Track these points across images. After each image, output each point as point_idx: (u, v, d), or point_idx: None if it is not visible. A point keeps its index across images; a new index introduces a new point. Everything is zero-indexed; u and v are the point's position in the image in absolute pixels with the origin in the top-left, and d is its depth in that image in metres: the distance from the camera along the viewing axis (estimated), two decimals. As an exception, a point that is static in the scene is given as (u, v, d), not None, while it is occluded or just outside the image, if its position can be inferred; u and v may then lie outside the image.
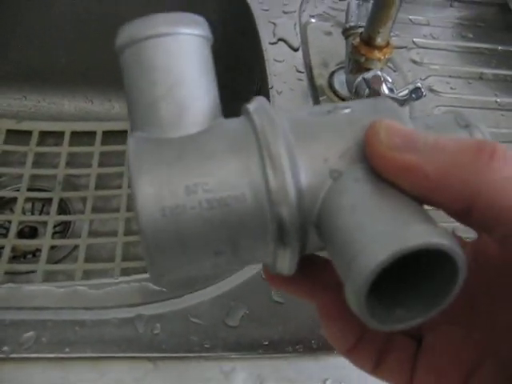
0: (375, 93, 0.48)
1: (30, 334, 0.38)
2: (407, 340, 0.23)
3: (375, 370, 0.23)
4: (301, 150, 0.19)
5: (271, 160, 0.18)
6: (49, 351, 0.37)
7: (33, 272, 0.64)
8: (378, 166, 0.19)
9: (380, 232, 0.17)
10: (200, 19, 0.21)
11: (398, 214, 0.18)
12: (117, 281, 0.41)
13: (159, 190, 0.18)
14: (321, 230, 0.19)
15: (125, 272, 0.65)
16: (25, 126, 0.76)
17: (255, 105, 0.20)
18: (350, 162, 0.19)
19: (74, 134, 0.76)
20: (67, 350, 0.37)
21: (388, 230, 0.17)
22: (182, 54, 0.20)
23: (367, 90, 0.50)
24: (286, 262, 0.20)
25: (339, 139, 0.20)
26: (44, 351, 0.37)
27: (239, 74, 0.69)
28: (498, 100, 0.62)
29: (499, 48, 0.68)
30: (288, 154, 0.19)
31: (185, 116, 0.20)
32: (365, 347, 0.23)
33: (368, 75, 0.50)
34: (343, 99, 0.58)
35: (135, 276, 0.41)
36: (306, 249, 0.20)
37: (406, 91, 0.49)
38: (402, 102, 0.49)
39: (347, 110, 0.21)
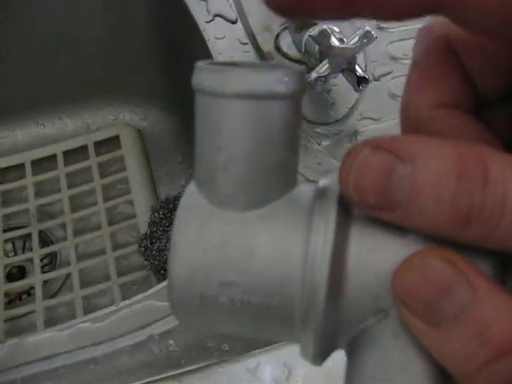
0: (326, 48, 0.47)
1: (46, 386, 0.36)
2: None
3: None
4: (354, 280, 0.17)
5: (311, 287, 0.17)
6: (69, 398, 0.36)
7: (32, 312, 0.63)
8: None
9: None
10: (289, 72, 0.17)
11: None
12: (118, 307, 0.39)
13: (193, 274, 0.18)
14: (349, 355, 0.18)
15: (123, 287, 0.64)
16: (-18, 167, 0.73)
17: (322, 202, 0.17)
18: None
19: (34, 162, 0.74)
20: (87, 391, 0.36)
21: None
22: (253, 121, 0.17)
23: (317, 47, 0.48)
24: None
25: None
26: (65, 399, 0.36)
27: (180, 57, 0.67)
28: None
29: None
30: (333, 283, 0.17)
31: (240, 194, 0.18)
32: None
33: (314, 32, 0.48)
34: (294, 60, 0.56)
35: (135, 297, 0.40)
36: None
37: (357, 38, 0.47)
38: (357, 50, 0.47)
39: None
